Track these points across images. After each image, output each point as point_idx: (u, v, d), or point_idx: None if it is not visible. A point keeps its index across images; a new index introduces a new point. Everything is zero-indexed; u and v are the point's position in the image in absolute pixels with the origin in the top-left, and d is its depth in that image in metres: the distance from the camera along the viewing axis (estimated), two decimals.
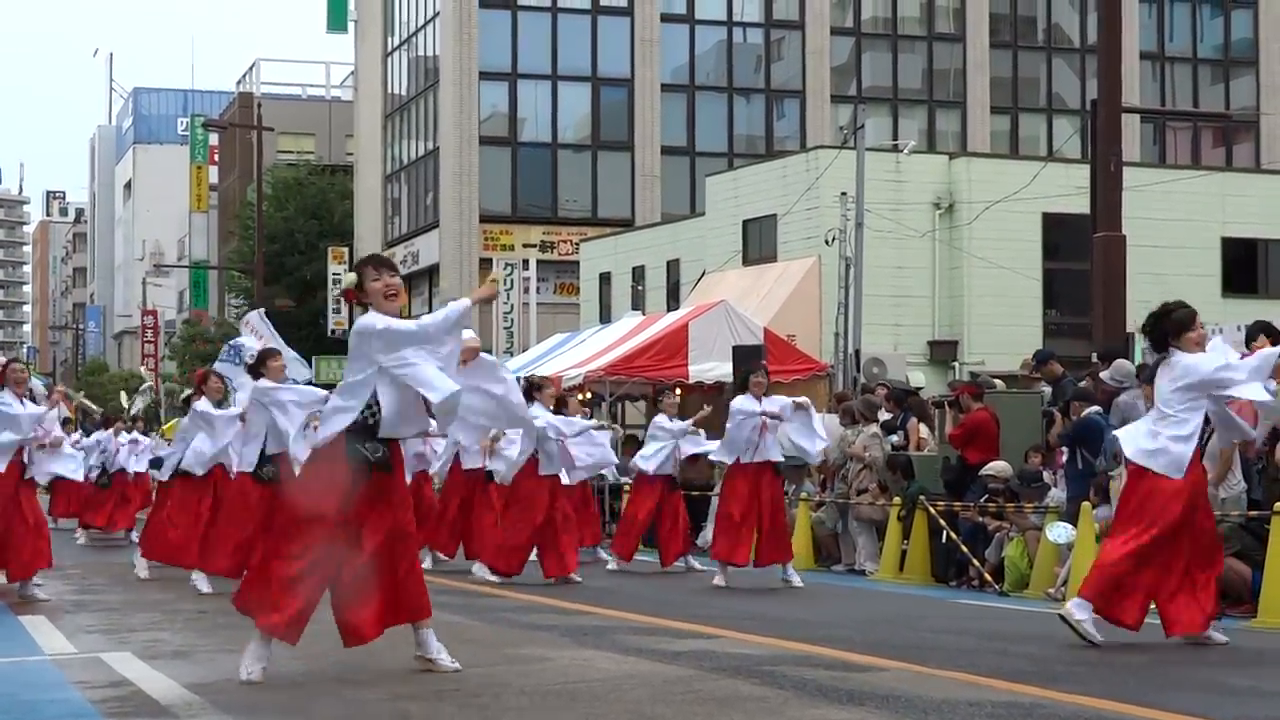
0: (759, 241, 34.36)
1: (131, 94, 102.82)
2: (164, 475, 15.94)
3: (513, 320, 40.18)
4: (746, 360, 21.26)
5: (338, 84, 73.84)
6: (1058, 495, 15.01)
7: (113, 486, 23.27)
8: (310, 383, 14.74)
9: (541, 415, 14.80)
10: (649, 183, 48.30)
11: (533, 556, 14.94)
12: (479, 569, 14.88)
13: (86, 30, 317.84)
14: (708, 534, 18.24)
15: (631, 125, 48.53)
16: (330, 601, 7.61)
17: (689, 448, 17.06)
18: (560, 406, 16.02)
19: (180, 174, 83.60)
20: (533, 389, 15.43)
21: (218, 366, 14.77)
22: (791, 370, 22.86)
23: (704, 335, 23.47)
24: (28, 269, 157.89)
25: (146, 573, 15.07)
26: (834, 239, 28.79)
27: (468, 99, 47.55)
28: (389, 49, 54.77)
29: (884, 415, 18.90)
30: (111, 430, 24.19)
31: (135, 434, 24.18)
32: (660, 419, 16.94)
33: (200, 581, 13.40)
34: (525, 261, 42.12)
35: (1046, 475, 15.67)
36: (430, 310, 46.07)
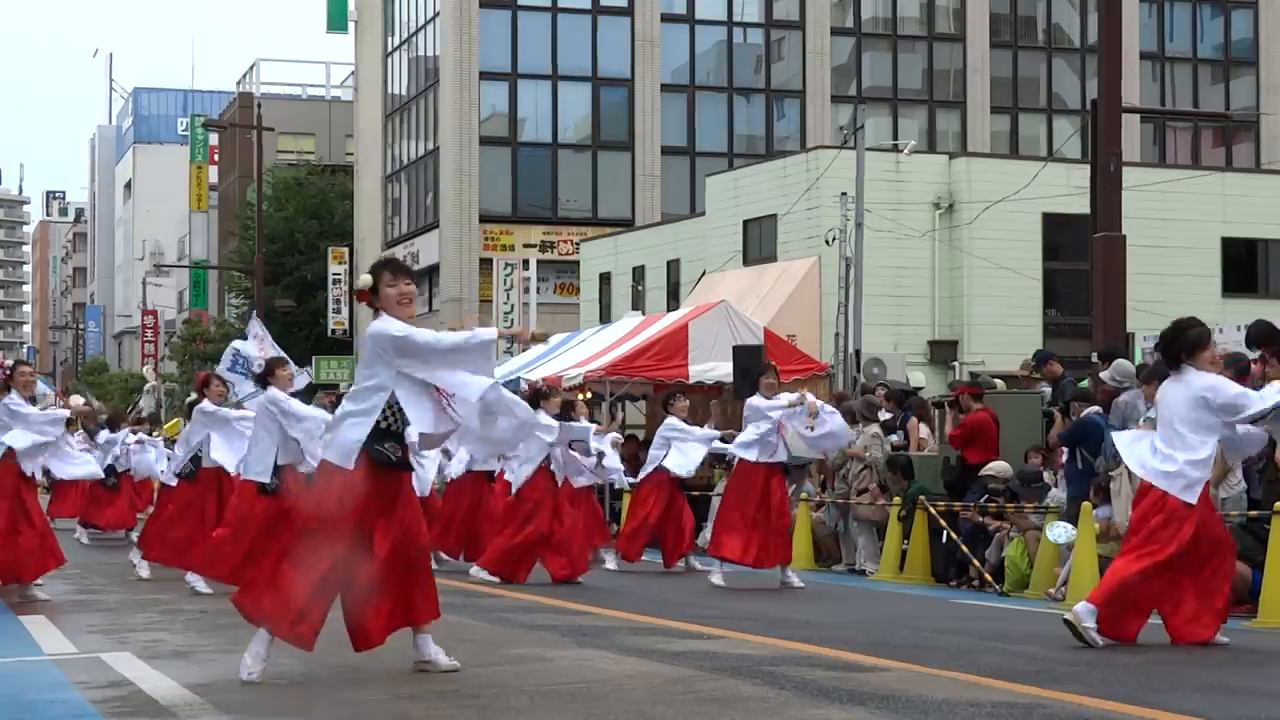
0: (759, 241, 34.36)
1: (131, 94, 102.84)
2: (168, 478, 15.93)
3: (513, 320, 40.19)
4: (747, 360, 21.28)
5: (338, 84, 73.87)
6: (1058, 495, 15.02)
7: (119, 488, 23.10)
8: (310, 384, 14.78)
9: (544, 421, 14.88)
10: (649, 183, 48.30)
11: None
12: (478, 570, 14.88)
13: (86, 30, 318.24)
14: (707, 533, 18.24)
15: (632, 125, 48.53)
16: (341, 605, 7.61)
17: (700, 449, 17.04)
18: (568, 411, 16.05)
19: (180, 174, 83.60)
20: (538, 397, 15.46)
21: (227, 376, 14.82)
22: (791, 370, 22.83)
23: (704, 335, 23.47)
24: (28, 269, 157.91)
25: (147, 572, 15.07)
26: (834, 239, 28.81)
27: (468, 99, 47.55)
28: (389, 49, 54.78)
29: (884, 415, 18.92)
30: (124, 431, 23.88)
31: (142, 435, 23.79)
32: (675, 421, 16.90)
33: (198, 582, 13.40)
34: (525, 261, 42.14)
35: (1046, 475, 15.68)
36: (430, 311, 46.17)
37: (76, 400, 19.34)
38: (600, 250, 42.00)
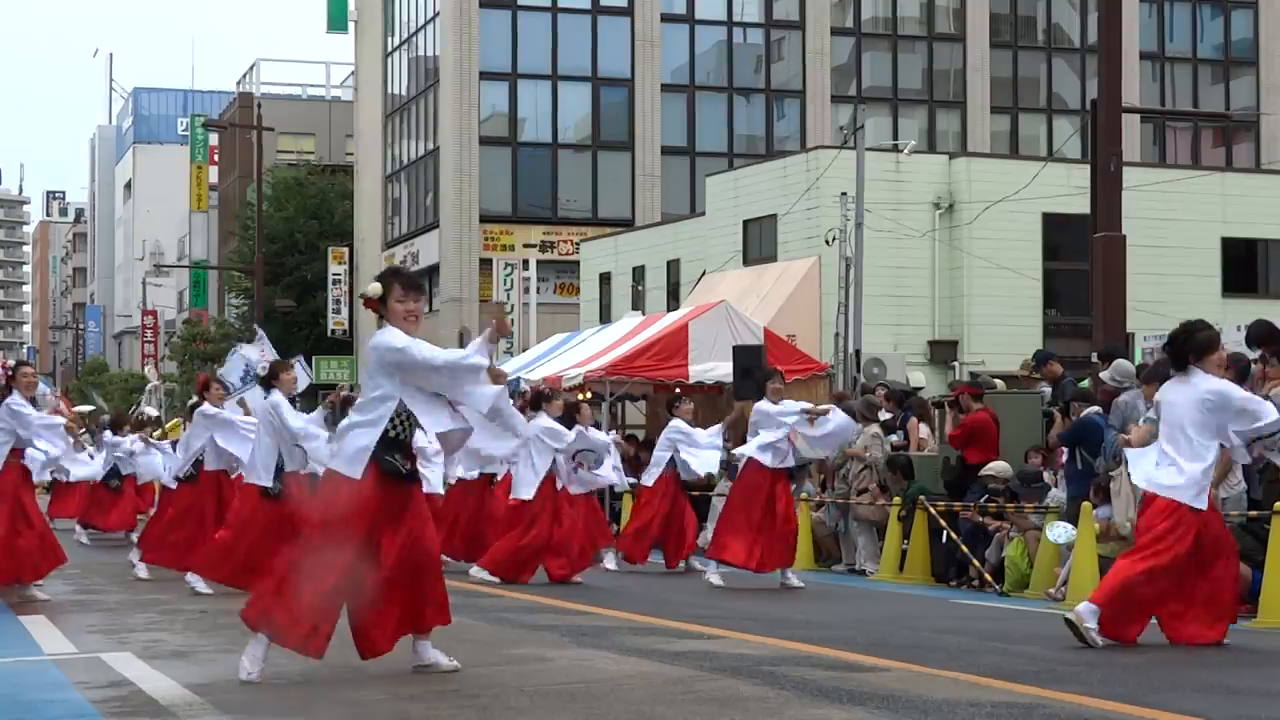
0: (759, 241, 34.36)
1: (131, 94, 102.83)
2: (169, 481, 15.94)
3: (513, 320, 40.17)
4: (747, 360, 21.27)
5: (338, 84, 73.86)
6: (1058, 495, 15.02)
7: (122, 490, 22.98)
8: (310, 385, 14.84)
9: (544, 425, 14.92)
10: (649, 183, 48.29)
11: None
12: (478, 570, 14.88)
13: (86, 30, 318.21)
14: (708, 534, 18.23)
15: (632, 125, 48.53)
16: (347, 613, 7.60)
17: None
18: (573, 413, 16.05)
19: (180, 174, 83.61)
20: (540, 399, 15.46)
21: (237, 387, 14.91)
22: (792, 370, 22.81)
23: (704, 335, 23.47)
24: (28, 269, 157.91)
25: (147, 573, 15.07)
26: (834, 239, 28.80)
27: (468, 99, 47.54)
28: (389, 49, 54.77)
29: (884, 415, 18.92)
30: (128, 434, 23.71)
31: (147, 437, 23.59)
32: (679, 424, 16.88)
33: (198, 582, 13.40)
34: (525, 261, 42.12)
35: (1046, 475, 15.68)
36: (430, 311, 46.15)
37: (83, 408, 19.34)
38: (600, 250, 42.00)
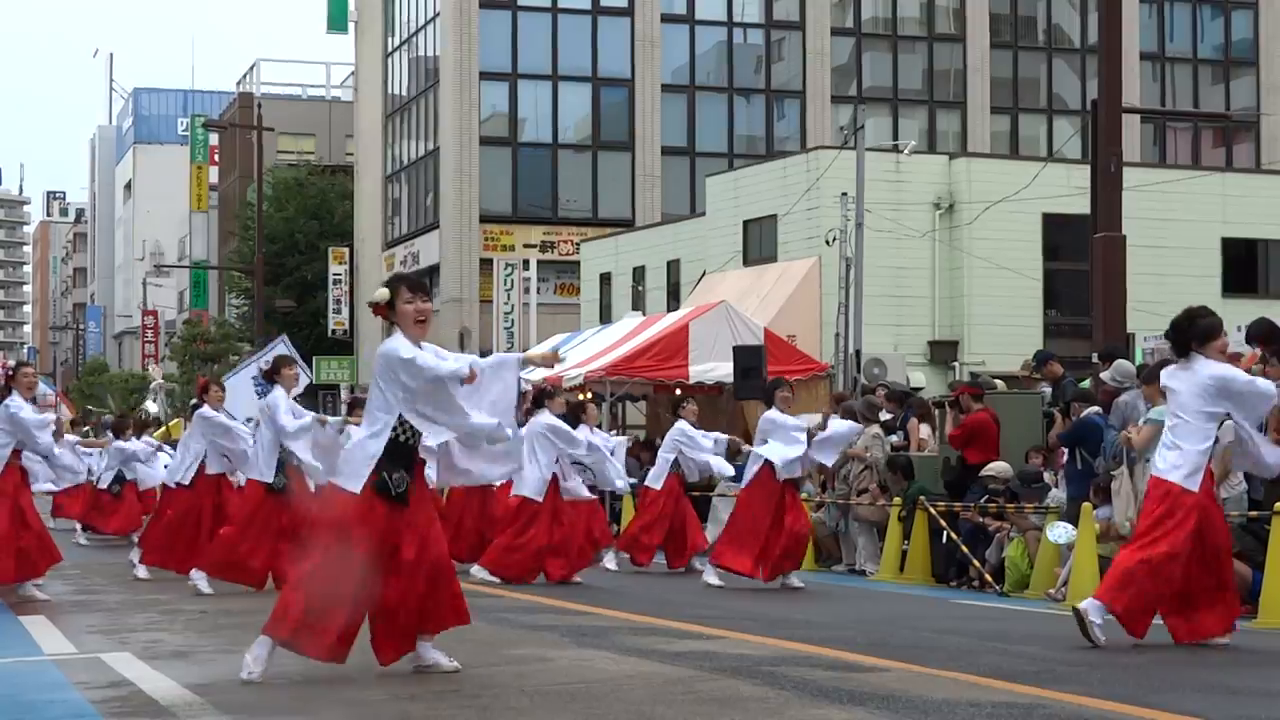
0: (759, 242, 34.36)
1: (131, 94, 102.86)
2: (169, 481, 15.94)
3: (513, 321, 40.18)
4: (747, 360, 21.28)
5: (338, 84, 73.88)
6: (1058, 496, 15.01)
7: (123, 494, 22.88)
8: (310, 386, 14.88)
9: (547, 423, 14.93)
10: (649, 183, 48.30)
11: None
12: (478, 570, 14.88)
13: (86, 30, 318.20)
14: (708, 533, 18.22)
15: (632, 125, 48.53)
16: (368, 620, 7.61)
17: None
18: (578, 414, 16.01)
19: (180, 174, 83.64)
20: (542, 397, 15.45)
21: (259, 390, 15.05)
22: (792, 371, 22.85)
23: (704, 336, 23.48)
24: (28, 269, 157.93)
25: (147, 573, 15.07)
26: (834, 239, 28.80)
27: (468, 99, 47.55)
28: (389, 49, 54.78)
29: (884, 415, 18.91)
30: (134, 439, 23.57)
31: (153, 441, 23.47)
32: (684, 425, 16.85)
33: (201, 581, 13.40)
34: (525, 262, 42.13)
35: (1047, 476, 15.68)
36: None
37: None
38: (600, 250, 42.00)
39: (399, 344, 7.59)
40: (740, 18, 49.69)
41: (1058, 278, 32.91)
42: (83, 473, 15.81)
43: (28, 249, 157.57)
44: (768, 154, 44.70)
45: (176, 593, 13.29)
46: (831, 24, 49.56)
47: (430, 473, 8.20)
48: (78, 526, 23.73)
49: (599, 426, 17.58)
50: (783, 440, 14.44)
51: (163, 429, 30.56)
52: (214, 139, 77.99)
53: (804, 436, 14.47)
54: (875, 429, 18.14)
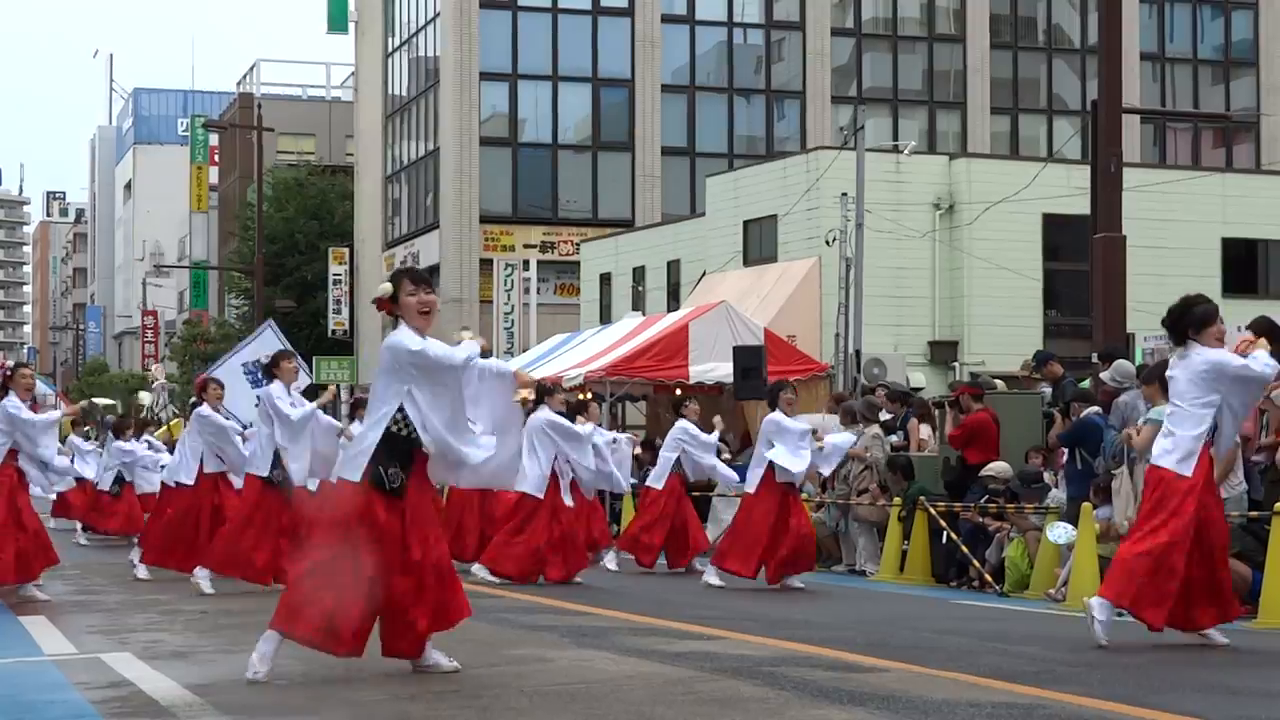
0: (759, 242, 34.36)
1: (132, 94, 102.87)
2: (169, 480, 15.95)
3: (513, 321, 40.20)
4: (747, 361, 21.27)
5: (338, 84, 73.88)
6: (1058, 496, 15.01)
7: (123, 495, 22.86)
8: (311, 387, 14.88)
9: (547, 419, 14.95)
10: (649, 183, 48.30)
11: None
12: (479, 569, 14.88)
13: (86, 30, 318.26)
14: (708, 533, 18.22)
15: (632, 126, 48.53)
16: (380, 618, 7.62)
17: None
18: (580, 412, 15.98)
19: (180, 174, 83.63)
20: (542, 393, 15.45)
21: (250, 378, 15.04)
22: (792, 371, 22.85)
23: (704, 336, 23.48)
24: (28, 269, 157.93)
25: (147, 573, 15.07)
26: (834, 239, 28.80)
27: (468, 99, 47.55)
28: (389, 49, 54.78)
29: (884, 415, 18.91)
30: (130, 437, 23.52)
31: (155, 441, 23.41)
32: (686, 425, 16.84)
33: (203, 581, 13.40)
34: (525, 262, 42.14)
35: (1047, 476, 15.67)
36: None
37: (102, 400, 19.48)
38: (600, 251, 42.00)
39: (405, 336, 7.60)
40: (740, 18, 49.68)
41: (1058, 278, 32.91)
42: (72, 475, 15.77)
43: (28, 249, 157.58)
44: (768, 154, 44.70)
45: (176, 593, 13.29)
46: (831, 24, 49.56)
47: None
48: (78, 526, 23.74)
49: (599, 426, 17.57)
50: (788, 444, 14.38)
51: (164, 429, 30.55)
52: (214, 139, 78.00)
53: (810, 441, 14.47)
54: (875, 429, 18.14)
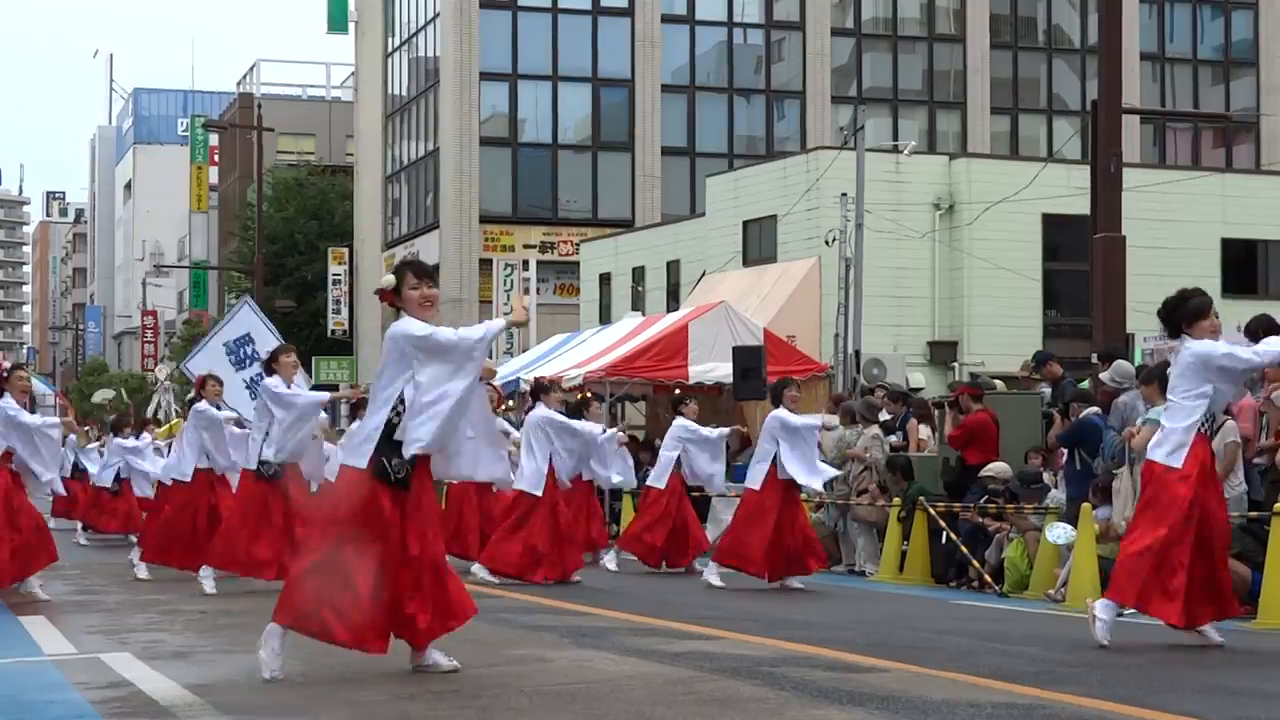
0: (759, 242, 34.36)
1: (132, 94, 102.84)
2: (165, 478, 15.97)
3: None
4: (747, 361, 21.27)
5: (338, 84, 73.87)
6: (1057, 496, 15.02)
7: (122, 493, 22.84)
8: (311, 387, 14.89)
9: (544, 415, 14.95)
10: (649, 183, 48.30)
11: None
12: (478, 568, 14.88)
13: (86, 31, 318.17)
14: (708, 533, 18.22)
15: (632, 126, 48.53)
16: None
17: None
18: (581, 411, 15.97)
19: (180, 174, 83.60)
20: (540, 390, 15.45)
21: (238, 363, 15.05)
22: (791, 371, 22.83)
23: (704, 336, 23.48)
24: (28, 269, 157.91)
25: (146, 573, 15.08)
26: (834, 240, 28.80)
27: (468, 99, 47.55)
28: (389, 49, 54.78)
29: (884, 416, 18.91)
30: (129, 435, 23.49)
31: (156, 441, 23.35)
32: (686, 423, 16.82)
33: (207, 581, 13.40)
34: (525, 262, 42.12)
35: (1046, 476, 15.68)
36: None
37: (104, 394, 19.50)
38: (600, 251, 42.00)
39: (410, 323, 7.62)
40: (740, 18, 49.69)
41: (1057, 278, 32.92)
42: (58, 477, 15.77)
43: (27, 249, 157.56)
44: (768, 154, 44.70)
45: (176, 593, 13.30)
46: (831, 24, 49.56)
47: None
48: (78, 526, 23.76)
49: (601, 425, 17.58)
50: (795, 446, 14.33)
51: (165, 428, 30.54)
52: (214, 139, 77.98)
53: (815, 438, 14.49)
54: (875, 429, 18.14)
